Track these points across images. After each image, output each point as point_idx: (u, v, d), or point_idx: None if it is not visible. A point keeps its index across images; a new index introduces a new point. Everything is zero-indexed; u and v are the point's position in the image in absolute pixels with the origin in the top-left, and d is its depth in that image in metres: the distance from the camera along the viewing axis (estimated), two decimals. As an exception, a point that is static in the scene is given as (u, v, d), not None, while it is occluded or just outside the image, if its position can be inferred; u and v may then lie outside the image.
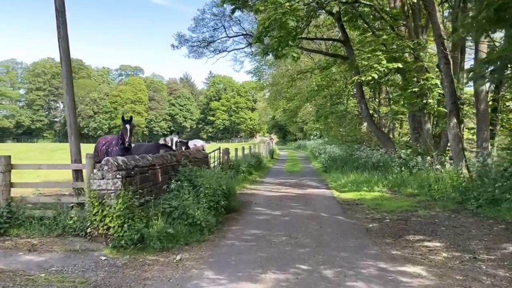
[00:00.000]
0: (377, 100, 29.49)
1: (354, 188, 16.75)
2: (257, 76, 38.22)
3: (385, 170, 17.92)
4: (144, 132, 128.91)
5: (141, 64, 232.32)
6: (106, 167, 7.86)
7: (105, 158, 8.18)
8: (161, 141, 17.44)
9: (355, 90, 22.30)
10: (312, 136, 52.55)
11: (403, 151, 17.92)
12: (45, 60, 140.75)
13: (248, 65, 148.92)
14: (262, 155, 33.39)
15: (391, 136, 25.03)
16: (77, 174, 10.33)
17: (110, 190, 7.76)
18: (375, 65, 14.43)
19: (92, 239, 7.86)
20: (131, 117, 12.03)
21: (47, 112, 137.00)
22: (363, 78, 14.65)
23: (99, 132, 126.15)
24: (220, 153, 18.97)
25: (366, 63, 14.99)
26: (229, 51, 24.35)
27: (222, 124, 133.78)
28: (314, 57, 33.06)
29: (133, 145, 13.07)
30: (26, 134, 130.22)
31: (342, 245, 8.06)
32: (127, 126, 11.77)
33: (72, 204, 8.97)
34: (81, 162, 10.09)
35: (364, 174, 18.30)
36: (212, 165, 18.66)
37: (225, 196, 11.00)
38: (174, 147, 15.64)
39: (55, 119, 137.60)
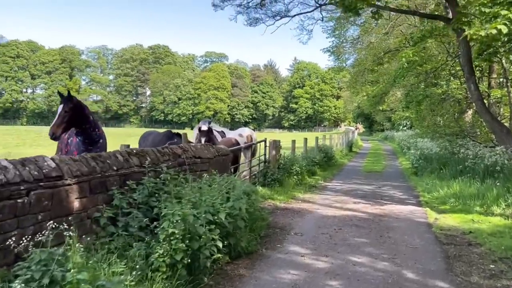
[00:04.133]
0: (485, 82, 22.78)
1: (460, 206, 11.09)
2: (335, 55, 32.45)
3: (505, 178, 11.98)
4: (226, 119, 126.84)
5: (226, 51, 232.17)
6: None
7: None
8: (195, 130, 12.79)
9: (459, 65, 16.29)
10: (400, 127, 45.79)
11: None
12: (133, 46, 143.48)
13: (319, 36, 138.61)
14: (336, 148, 27.90)
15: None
16: None
17: None
18: (503, 12, 8.77)
19: None
20: (69, 93, 7.47)
21: (134, 98, 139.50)
22: (481, 33, 8.95)
23: (183, 118, 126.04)
24: (266, 146, 14.01)
25: (488, 10, 9.30)
26: (292, 16, 19.02)
27: (305, 112, 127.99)
28: (406, 32, 26.89)
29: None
30: (114, 119, 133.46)
31: None
32: (59, 107, 7.33)
33: None
34: None
35: (474, 184, 12.46)
36: (256, 161, 13.75)
37: (226, 232, 6.12)
38: (201, 138, 10.97)
39: (142, 105, 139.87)
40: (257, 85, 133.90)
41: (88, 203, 5.02)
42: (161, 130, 12.20)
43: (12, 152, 26.08)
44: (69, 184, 4.75)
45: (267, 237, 7.83)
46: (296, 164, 14.34)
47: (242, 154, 15.64)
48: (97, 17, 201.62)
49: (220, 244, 5.73)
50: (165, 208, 5.36)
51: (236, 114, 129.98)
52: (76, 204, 4.85)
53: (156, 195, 5.85)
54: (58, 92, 7.52)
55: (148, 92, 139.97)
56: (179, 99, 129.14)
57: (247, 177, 12.42)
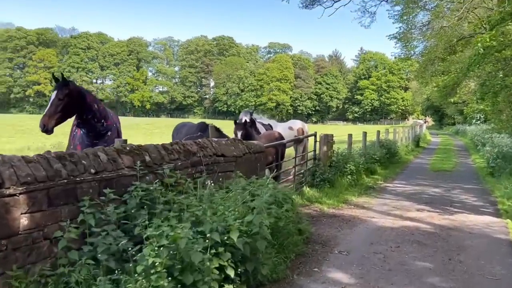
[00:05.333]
0: None
1: (550, 219, 9.06)
2: (402, 42, 30.00)
3: None
4: (289, 111, 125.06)
5: (290, 41, 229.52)
6: None
7: None
8: (244, 118, 11.41)
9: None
10: (474, 120, 42.24)
11: None
12: (198, 38, 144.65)
13: (384, 20, 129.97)
14: (401, 143, 25.65)
15: None
16: None
17: None
18: None
19: None
20: (63, 77, 6.27)
21: (198, 89, 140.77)
22: None
23: (245, 109, 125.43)
24: (316, 141, 12.38)
25: None
26: (351, -4, 17.13)
27: (370, 104, 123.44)
28: (483, 16, 24.11)
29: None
30: (179, 109, 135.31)
31: None
32: (52, 94, 6.17)
33: None
34: None
35: None
36: (305, 158, 12.22)
37: (241, 256, 4.69)
38: (236, 132, 9.59)
39: (205, 96, 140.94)
40: (321, 76, 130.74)
41: (44, 219, 3.75)
42: (197, 121, 10.92)
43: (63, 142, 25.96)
44: (11, 195, 3.49)
45: (303, 256, 6.32)
46: (351, 162, 12.62)
47: (293, 149, 14.16)
48: (164, 9, 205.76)
49: (231, 273, 4.34)
50: (150, 226, 4.02)
51: (299, 106, 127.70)
52: (23, 221, 3.59)
53: (147, 206, 4.52)
54: (53, 76, 6.35)
55: (212, 83, 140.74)
56: (242, 90, 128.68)
57: (291, 176, 10.93)
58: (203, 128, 9.82)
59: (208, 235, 4.31)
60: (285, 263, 5.74)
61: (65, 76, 6.41)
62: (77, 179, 4.05)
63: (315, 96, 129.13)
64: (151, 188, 4.68)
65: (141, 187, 4.58)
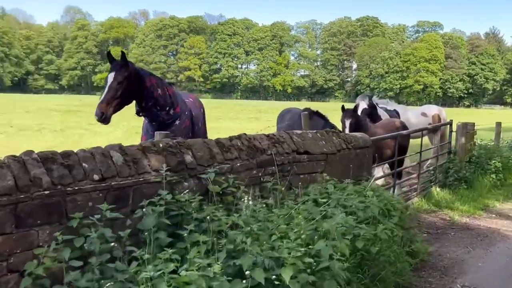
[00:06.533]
0: None
1: None
2: None
3: None
4: (438, 94, 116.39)
5: (441, 19, 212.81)
6: None
7: None
8: (361, 103, 9.86)
9: None
10: None
11: None
12: (341, 19, 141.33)
13: None
14: None
15: None
16: None
17: None
18: None
19: None
20: (123, 55, 5.33)
21: (339, 72, 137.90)
22: None
23: (389, 92, 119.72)
24: (451, 131, 10.21)
25: None
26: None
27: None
28: None
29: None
30: (319, 93, 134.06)
31: None
32: (108, 76, 5.24)
33: None
34: None
35: None
36: (434, 152, 10.21)
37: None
38: (344, 120, 8.07)
39: (347, 79, 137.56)
40: (475, 56, 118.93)
41: (8, 246, 2.80)
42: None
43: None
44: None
45: (407, 290, 4.73)
46: (496, 157, 10.23)
47: (428, 139, 12.10)
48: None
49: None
50: (154, 260, 2.87)
51: (449, 88, 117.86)
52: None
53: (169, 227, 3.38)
54: (108, 54, 5.47)
55: (354, 66, 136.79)
56: (386, 72, 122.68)
57: (415, 175, 9.06)
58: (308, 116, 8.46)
59: (247, 272, 3.04)
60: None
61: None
62: (68, 188, 3.04)
63: (468, 78, 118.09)
64: (183, 200, 3.53)
65: (166, 198, 3.45)
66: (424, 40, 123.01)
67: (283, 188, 4.67)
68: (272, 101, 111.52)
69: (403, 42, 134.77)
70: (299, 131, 5.43)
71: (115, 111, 5.23)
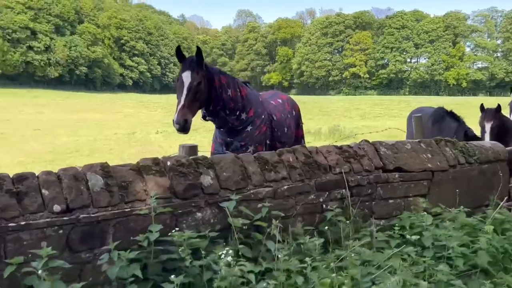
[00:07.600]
0: None
1: None
2: None
3: None
4: None
5: None
6: None
7: None
8: None
9: None
10: None
11: None
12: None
13: None
14: None
15: None
16: None
17: None
18: None
19: None
20: (199, 51, 4.57)
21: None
22: None
23: None
24: None
25: None
26: None
27: None
28: None
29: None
30: (499, 87, 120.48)
31: None
32: (182, 75, 4.47)
33: None
34: None
35: None
36: None
37: None
38: (484, 123, 6.39)
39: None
40: None
41: None
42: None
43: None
44: None
45: None
46: None
47: None
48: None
49: None
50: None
51: None
52: None
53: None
54: (177, 50, 4.69)
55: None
56: None
57: None
58: (438, 116, 6.89)
59: None
60: None
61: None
62: (11, 224, 2.39)
63: None
64: (175, 238, 2.67)
65: (155, 236, 2.62)
66: None
67: (358, 218, 3.51)
68: (443, 96, 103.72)
69: None
70: (391, 141, 4.15)
71: (192, 116, 4.55)
